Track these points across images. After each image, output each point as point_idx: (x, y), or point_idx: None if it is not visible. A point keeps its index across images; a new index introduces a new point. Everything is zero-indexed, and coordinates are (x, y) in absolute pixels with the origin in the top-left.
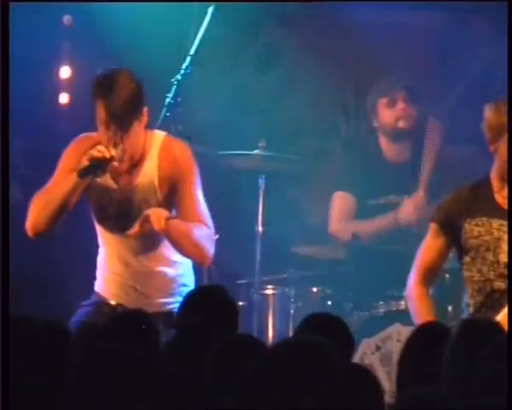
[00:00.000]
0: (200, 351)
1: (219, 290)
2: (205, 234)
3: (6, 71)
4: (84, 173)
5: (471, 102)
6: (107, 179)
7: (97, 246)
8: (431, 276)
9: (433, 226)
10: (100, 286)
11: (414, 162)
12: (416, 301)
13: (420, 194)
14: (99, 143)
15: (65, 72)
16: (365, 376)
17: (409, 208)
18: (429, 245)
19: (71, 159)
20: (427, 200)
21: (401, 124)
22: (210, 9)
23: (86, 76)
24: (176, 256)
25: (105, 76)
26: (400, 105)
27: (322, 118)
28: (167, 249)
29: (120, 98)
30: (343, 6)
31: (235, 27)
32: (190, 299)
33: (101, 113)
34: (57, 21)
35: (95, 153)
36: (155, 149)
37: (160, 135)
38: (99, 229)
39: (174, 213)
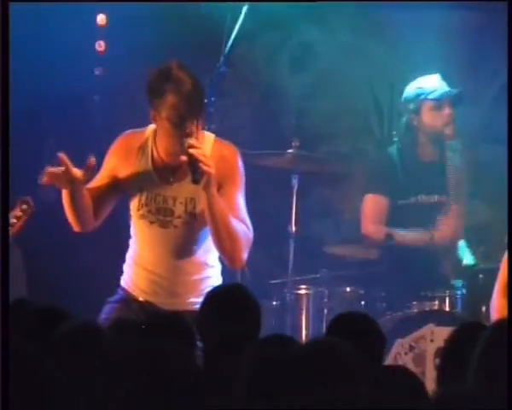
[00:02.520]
0: (219, 350)
1: (239, 289)
2: (243, 232)
3: (6, 71)
4: (196, 178)
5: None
6: (152, 174)
7: (125, 242)
8: None
9: None
10: (127, 282)
11: (444, 161)
12: (496, 313)
13: (457, 218)
14: (146, 139)
15: (98, 72)
16: (407, 376)
17: (446, 233)
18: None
19: (114, 158)
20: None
21: (448, 131)
22: (244, 9)
23: (119, 75)
24: (208, 259)
25: (168, 69)
26: (447, 110)
27: (355, 117)
28: (201, 251)
29: (191, 88)
30: (377, 5)
31: (269, 27)
32: (209, 298)
33: (172, 104)
34: (90, 21)
35: (194, 151)
36: (207, 150)
37: (210, 136)
38: (136, 223)
39: None
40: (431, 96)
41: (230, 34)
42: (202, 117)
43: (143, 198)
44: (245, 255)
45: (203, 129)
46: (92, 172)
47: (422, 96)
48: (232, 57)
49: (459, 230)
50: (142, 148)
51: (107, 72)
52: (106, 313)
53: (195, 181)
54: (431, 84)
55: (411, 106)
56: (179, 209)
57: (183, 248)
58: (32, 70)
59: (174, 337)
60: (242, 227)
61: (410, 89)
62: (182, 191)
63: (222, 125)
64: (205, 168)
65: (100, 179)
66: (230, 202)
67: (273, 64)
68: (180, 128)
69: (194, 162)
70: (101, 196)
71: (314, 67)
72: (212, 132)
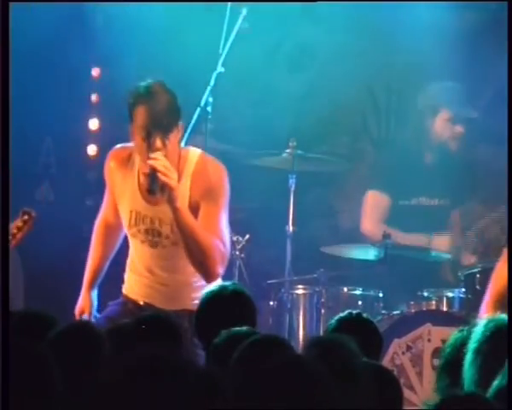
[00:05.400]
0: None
1: (238, 288)
2: (216, 246)
3: (6, 71)
4: (151, 188)
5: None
6: (138, 195)
7: (126, 249)
8: (504, 299)
9: (505, 251)
10: (127, 288)
11: (445, 164)
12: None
13: (456, 232)
14: (130, 154)
15: (95, 71)
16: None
17: (443, 245)
18: (502, 269)
19: (108, 175)
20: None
21: (453, 146)
22: (242, 10)
23: (116, 75)
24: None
25: (145, 86)
26: (459, 128)
27: (353, 118)
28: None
29: (162, 104)
30: (376, 5)
31: (266, 27)
32: (207, 298)
33: (141, 119)
34: (89, 22)
35: (153, 162)
36: (189, 169)
37: (195, 153)
38: (130, 239)
39: None
40: (450, 109)
41: (228, 34)
42: (174, 132)
43: (133, 218)
44: (219, 270)
45: (179, 143)
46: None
47: (442, 105)
48: (229, 57)
49: (456, 246)
50: (131, 165)
51: (105, 74)
52: (106, 313)
53: (151, 191)
54: (454, 95)
55: (428, 109)
56: (166, 230)
57: (174, 265)
58: (31, 70)
59: (159, 337)
60: (215, 242)
61: (431, 92)
62: (167, 212)
63: (219, 126)
64: (163, 178)
65: (110, 199)
66: (208, 218)
67: (271, 64)
68: (148, 143)
69: (152, 173)
70: (117, 215)
71: (311, 67)
72: (209, 133)
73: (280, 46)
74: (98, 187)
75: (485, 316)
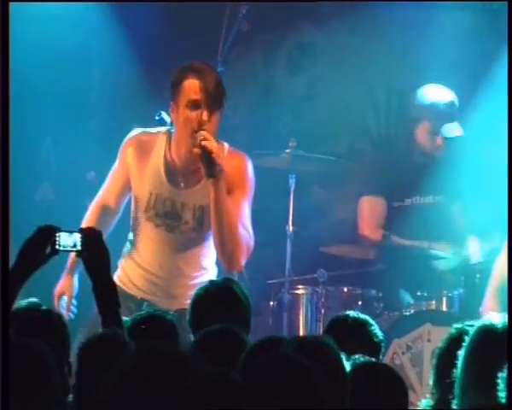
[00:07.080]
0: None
1: (231, 284)
2: (245, 237)
3: (6, 71)
4: (212, 171)
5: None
6: (163, 177)
7: (120, 236)
8: (504, 294)
9: (504, 248)
10: (123, 279)
11: (439, 163)
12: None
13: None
14: (159, 140)
15: (96, 72)
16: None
17: (444, 246)
18: (502, 265)
19: (127, 156)
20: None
21: (437, 154)
22: (242, 9)
23: (116, 75)
24: (206, 263)
25: (191, 64)
26: (440, 140)
27: (352, 118)
28: (201, 256)
29: (214, 79)
30: (375, 5)
31: (266, 27)
32: (196, 295)
33: (192, 91)
34: (88, 21)
35: (206, 143)
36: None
37: (224, 145)
38: (140, 224)
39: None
40: (432, 122)
41: (228, 34)
42: (219, 111)
43: (152, 201)
44: (243, 261)
45: (219, 123)
46: None
47: (425, 117)
48: (229, 57)
49: (457, 237)
50: (155, 149)
51: (105, 73)
52: None
53: (212, 174)
54: (439, 108)
55: (415, 115)
56: (187, 215)
57: (185, 252)
58: (31, 70)
59: (156, 337)
60: (245, 233)
61: (420, 99)
62: (191, 198)
63: (219, 126)
64: (219, 161)
65: (114, 183)
66: (237, 208)
67: (270, 64)
68: (195, 114)
69: (207, 155)
70: (117, 201)
71: (311, 67)
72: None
73: (280, 46)
74: (98, 186)
75: (486, 313)
